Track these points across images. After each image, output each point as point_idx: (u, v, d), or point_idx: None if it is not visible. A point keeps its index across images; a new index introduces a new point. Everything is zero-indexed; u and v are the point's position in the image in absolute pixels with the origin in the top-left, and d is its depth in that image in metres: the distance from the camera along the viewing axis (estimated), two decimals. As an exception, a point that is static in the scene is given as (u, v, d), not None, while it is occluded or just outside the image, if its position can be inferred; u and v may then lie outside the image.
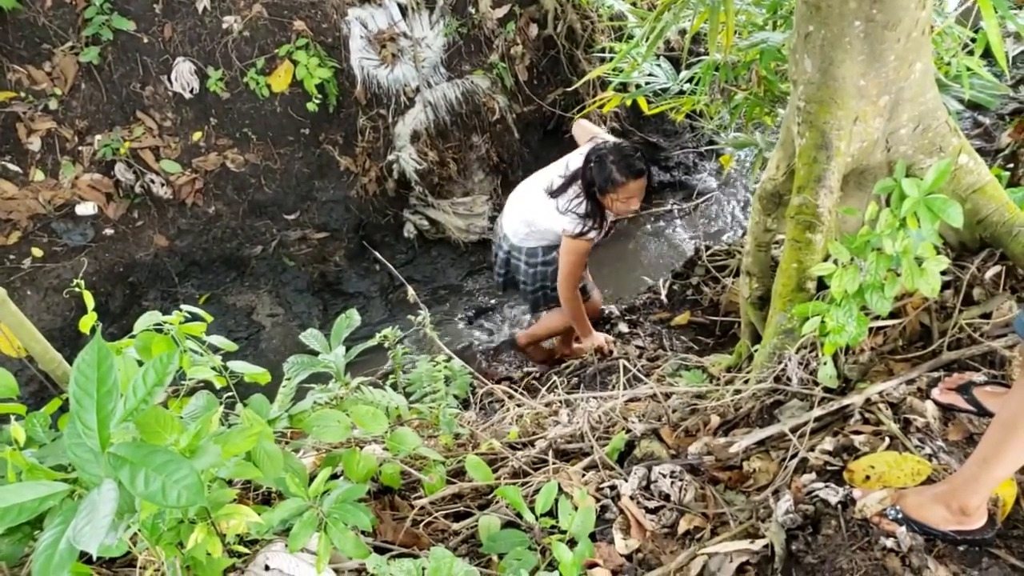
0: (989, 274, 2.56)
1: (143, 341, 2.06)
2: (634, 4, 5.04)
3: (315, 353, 2.51)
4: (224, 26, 5.67)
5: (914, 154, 2.53)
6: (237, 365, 2.14)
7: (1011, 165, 3.35)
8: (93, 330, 1.87)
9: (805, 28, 2.46)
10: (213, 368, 2.11)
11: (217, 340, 2.19)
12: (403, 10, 6.00)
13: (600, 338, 4.37)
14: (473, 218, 6.54)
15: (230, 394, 2.13)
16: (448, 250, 6.55)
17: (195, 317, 2.16)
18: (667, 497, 2.27)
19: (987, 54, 3.05)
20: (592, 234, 3.86)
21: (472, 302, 6.33)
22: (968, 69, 3.14)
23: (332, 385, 2.59)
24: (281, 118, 5.90)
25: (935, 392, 2.32)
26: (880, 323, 2.60)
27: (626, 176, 3.63)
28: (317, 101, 5.79)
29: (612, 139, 3.98)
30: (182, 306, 2.17)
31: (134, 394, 1.31)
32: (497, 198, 6.60)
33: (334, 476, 2.26)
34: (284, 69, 5.75)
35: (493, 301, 6.29)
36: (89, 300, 2.09)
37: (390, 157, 6.11)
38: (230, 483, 2.22)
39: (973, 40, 3.12)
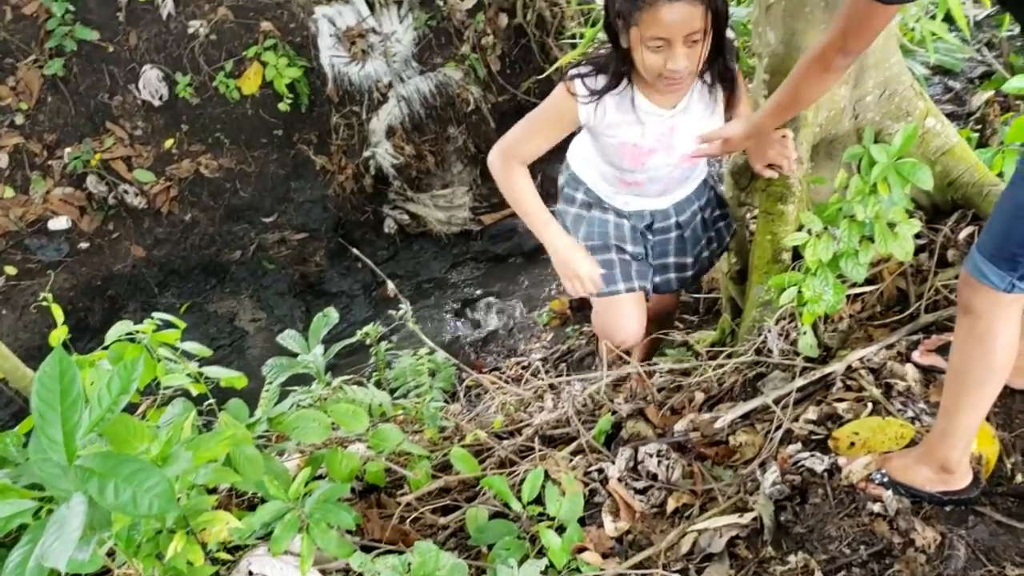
0: (962, 235, 2.56)
1: (116, 352, 2.04)
2: (600, -14, 5.02)
3: (294, 354, 2.49)
4: (190, 31, 5.63)
5: (881, 120, 2.52)
6: (212, 370, 2.12)
7: (979, 127, 3.35)
8: (66, 345, 1.85)
9: (766, 0, 2.45)
10: (188, 375, 2.09)
11: (191, 346, 2.17)
12: (371, 6, 5.98)
13: (573, 265, 2.44)
14: (454, 210, 6.53)
15: (211, 401, 2.12)
16: (430, 243, 6.53)
17: (168, 324, 2.14)
18: (655, 477, 2.26)
19: (952, 18, 3.05)
20: (579, 87, 2.25)
21: (457, 294, 6.31)
22: (932, 33, 3.14)
23: (314, 386, 2.58)
24: (253, 120, 5.87)
25: (915, 355, 2.32)
26: (857, 290, 2.60)
27: None
28: (289, 101, 5.75)
29: None
30: (154, 314, 2.15)
31: (99, 404, 1.29)
32: (477, 188, 6.58)
33: (319, 477, 2.25)
34: (253, 71, 5.72)
35: (479, 292, 6.27)
36: (59, 314, 2.07)
37: (366, 153, 6.08)
38: (214, 490, 2.22)
39: (935, 5, 3.11)
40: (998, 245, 1.60)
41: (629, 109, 2.27)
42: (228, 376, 2.10)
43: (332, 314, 2.51)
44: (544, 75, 5.76)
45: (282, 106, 5.76)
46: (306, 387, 2.59)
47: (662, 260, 2.72)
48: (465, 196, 6.55)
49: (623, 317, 2.64)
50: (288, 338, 2.51)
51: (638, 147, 2.35)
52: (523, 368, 4.43)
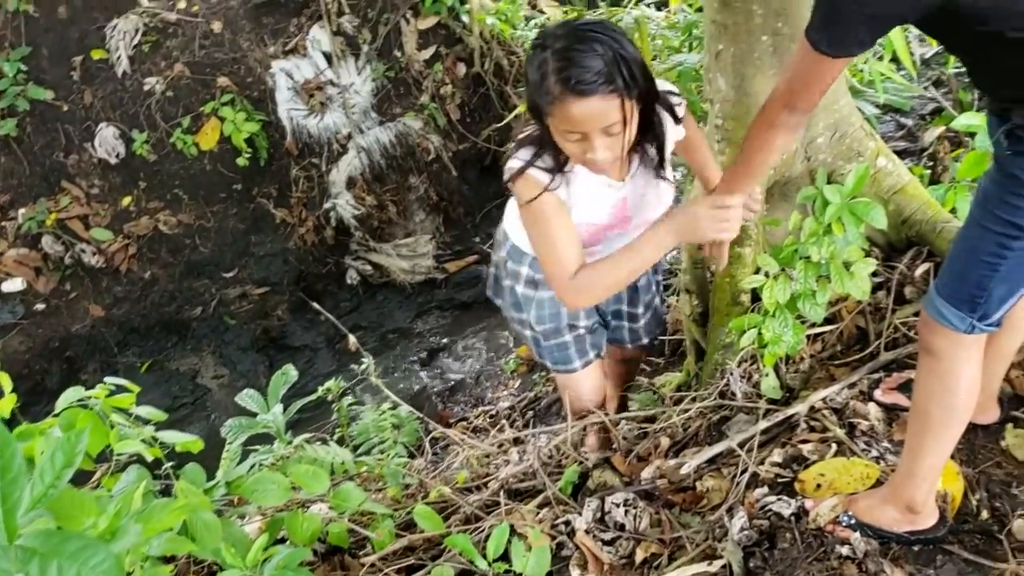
0: (919, 272, 2.59)
1: (67, 419, 1.98)
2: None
3: (254, 414, 2.44)
4: (146, 88, 5.61)
5: (833, 161, 2.56)
6: (167, 435, 2.07)
7: (931, 163, 3.42)
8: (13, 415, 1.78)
9: (715, 47, 2.49)
10: (143, 440, 2.03)
11: (146, 411, 2.11)
12: (328, 58, 6.00)
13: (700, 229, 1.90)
14: (417, 258, 6.51)
15: (168, 465, 2.06)
16: (394, 293, 6.49)
17: (122, 389, 2.08)
18: (622, 527, 2.23)
19: (899, 58, 3.12)
20: (541, 175, 1.93)
21: (423, 343, 6.26)
22: (881, 74, 3.21)
23: (275, 446, 2.52)
24: (211, 176, 5.83)
25: (877, 393, 2.33)
26: (817, 330, 2.61)
27: (561, 87, 1.72)
28: (247, 156, 5.73)
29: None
30: (107, 378, 2.09)
31: (41, 479, 1.24)
32: (440, 236, 6.57)
33: (281, 540, 2.19)
34: (211, 126, 5.70)
35: (445, 340, 6.23)
36: (6, 383, 2.01)
37: (327, 205, 6.06)
38: (172, 559, 2.15)
39: (883, 46, 3.19)
40: (956, 287, 1.61)
41: (582, 186, 2.04)
42: (183, 441, 2.04)
43: (291, 372, 2.47)
44: (503, 123, 5.81)
45: (241, 160, 5.74)
46: (267, 446, 2.54)
47: (615, 307, 2.63)
48: (428, 245, 6.54)
49: (580, 388, 2.63)
50: (247, 397, 2.46)
51: (595, 226, 2.15)
52: (490, 417, 4.39)
